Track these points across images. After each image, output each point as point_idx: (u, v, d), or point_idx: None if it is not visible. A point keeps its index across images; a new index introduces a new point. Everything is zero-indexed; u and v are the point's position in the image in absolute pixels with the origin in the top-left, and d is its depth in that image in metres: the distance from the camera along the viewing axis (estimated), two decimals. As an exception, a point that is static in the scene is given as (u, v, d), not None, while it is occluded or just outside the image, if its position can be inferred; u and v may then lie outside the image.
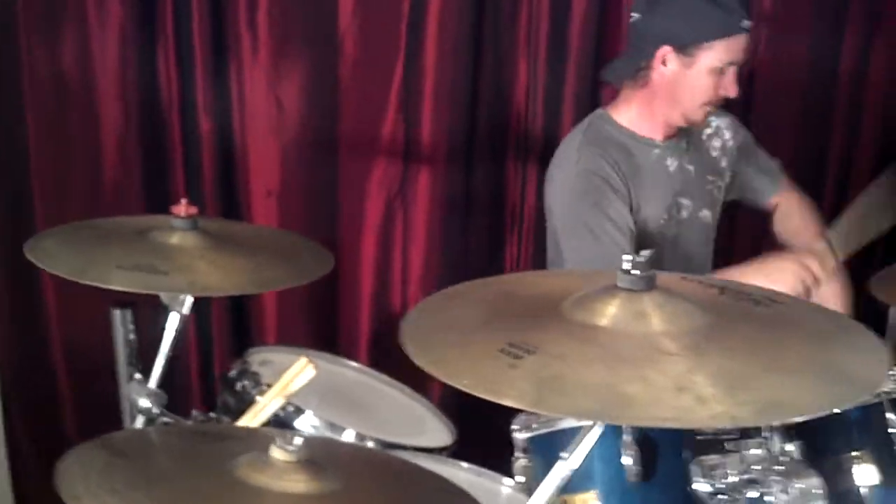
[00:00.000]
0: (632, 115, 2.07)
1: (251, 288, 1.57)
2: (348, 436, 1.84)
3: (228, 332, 2.54)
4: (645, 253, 1.12)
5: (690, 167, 2.12)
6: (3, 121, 2.38)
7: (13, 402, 2.49)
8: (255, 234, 1.80)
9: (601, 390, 0.98)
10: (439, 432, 2.01)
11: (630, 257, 1.11)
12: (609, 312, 1.08)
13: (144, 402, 1.72)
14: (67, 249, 1.60)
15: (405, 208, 2.56)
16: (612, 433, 1.30)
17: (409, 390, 2.09)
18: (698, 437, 1.27)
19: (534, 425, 1.43)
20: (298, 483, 1.28)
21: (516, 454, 1.48)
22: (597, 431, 1.09)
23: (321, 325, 2.60)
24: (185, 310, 1.69)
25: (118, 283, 1.47)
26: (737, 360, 1.04)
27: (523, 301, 1.18)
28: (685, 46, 1.95)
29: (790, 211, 2.23)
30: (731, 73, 1.97)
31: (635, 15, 2.01)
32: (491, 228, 2.64)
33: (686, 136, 2.11)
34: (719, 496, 1.24)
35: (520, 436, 1.44)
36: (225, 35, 2.38)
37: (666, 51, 1.97)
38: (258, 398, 1.77)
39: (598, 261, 1.97)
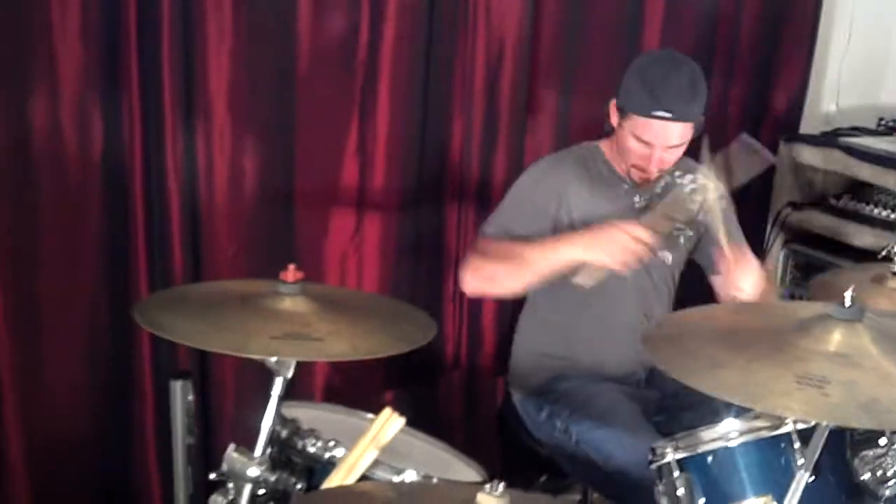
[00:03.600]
0: (613, 153, 2.37)
1: (380, 351, 1.62)
2: (410, 476, 1.86)
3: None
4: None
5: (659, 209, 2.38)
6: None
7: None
8: (354, 299, 1.84)
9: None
10: (470, 468, 2.13)
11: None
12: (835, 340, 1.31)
13: (254, 472, 1.72)
14: (194, 320, 1.57)
15: (359, 252, 2.67)
16: (788, 441, 1.53)
17: (423, 434, 2.19)
18: (853, 438, 1.52)
19: (679, 447, 1.62)
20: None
21: (663, 477, 1.66)
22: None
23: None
24: (290, 374, 1.71)
25: (283, 353, 1.48)
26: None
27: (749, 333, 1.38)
28: (619, 107, 2.28)
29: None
30: (652, 151, 2.23)
31: None
32: (434, 266, 2.82)
33: (663, 185, 2.37)
34: (886, 484, 1.50)
35: (672, 457, 1.61)
36: (193, 93, 2.37)
37: (612, 104, 2.30)
38: (332, 454, 1.82)
39: (501, 221, 2.30)
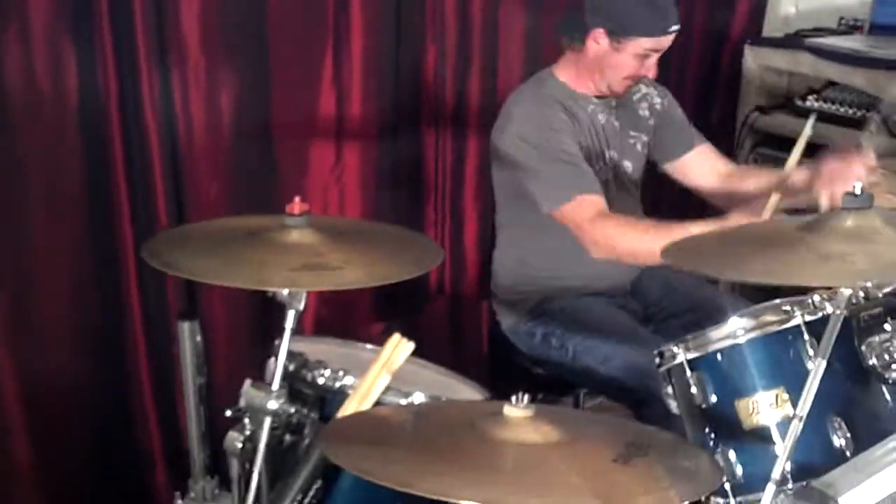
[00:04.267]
0: (570, 75, 2.39)
1: (396, 276, 1.63)
2: (419, 398, 1.87)
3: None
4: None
5: (616, 123, 2.44)
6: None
7: None
8: (358, 228, 1.84)
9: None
10: (473, 389, 2.16)
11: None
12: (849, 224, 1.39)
13: (273, 404, 1.73)
14: (207, 258, 1.57)
15: (340, 183, 2.67)
16: (794, 334, 1.59)
17: (420, 360, 2.21)
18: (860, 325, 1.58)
19: (689, 347, 1.67)
20: (533, 434, 1.44)
21: (673, 378, 1.71)
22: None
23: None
24: (301, 306, 1.72)
25: (304, 284, 1.49)
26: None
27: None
28: (615, 34, 2.26)
29: (709, 159, 2.57)
30: (653, 58, 2.29)
31: None
32: (414, 192, 2.84)
33: (609, 96, 2.41)
34: (892, 367, 1.57)
35: (683, 357, 1.66)
36: (165, 31, 2.33)
37: (599, 33, 2.28)
38: (342, 383, 1.84)
39: (573, 181, 2.26)
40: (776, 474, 1.40)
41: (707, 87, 3.32)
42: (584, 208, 2.23)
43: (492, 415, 1.48)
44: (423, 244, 1.80)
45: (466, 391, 2.12)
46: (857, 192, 1.40)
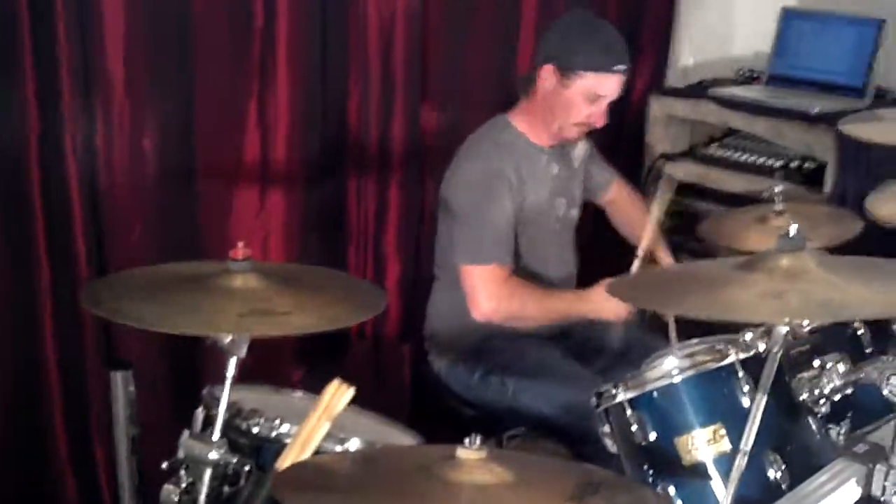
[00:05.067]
0: (525, 122, 2.44)
1: (340, 323, 1.63)
2: (355, 444, 1.86)
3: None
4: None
5: (564, 173, 2.50)
6: None
7: None
8: (297, 272, 1.83)
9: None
10: (407, 435, 2.16)
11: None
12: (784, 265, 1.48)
13: (213, 454, 1.70)
14: (151, 304, 1.54)
15: (265, 227, 2.66)
16: (728, 372, 1.66)
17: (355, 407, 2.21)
18: (790, 361, 1.66)
19: (628, 386, 1.72)
20: (487, 475, 1.45)
21: (612, 418, 1.75)
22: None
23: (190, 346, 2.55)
24: (244, 353, 1.70)
25: (257, 329, 1.48)
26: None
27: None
28: (564, 69, 2.33)
29: (623, 202, 2.75)
30: (601, 104, 2.37)
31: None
32: (336, 237, 2.84)
33: (560, 145, 2.49)
34: (821, 401, 1.65)
35: (623, 396, 1.70)
36: (91, 73, 2.29)
37: (548, 69, 2.32)
38: (279, 432, 1.82)
39: (490, 246, 2.35)
40: (725, 507, 1.46)
41: (614, 134, 3.43)
42: (487, 277, 2.34)
43: (444, 458, 1.49)
44: (365, 288, 1.81)
45: (399, 436, 2.12)
46: (792, 232, 1.48)
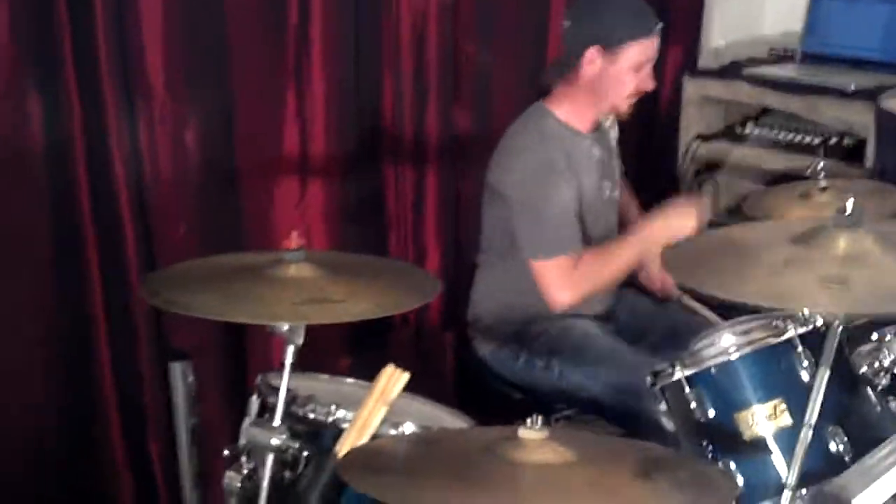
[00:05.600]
0: (566, 109, 2.42)
1: (394, 310, 1.64)
2: (409, 428, 1.86)
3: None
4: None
5: (605, 155, 2.50)
6: None
7: None
8: (350, 260, 1.84)
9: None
10: (458, 418, 2.17)
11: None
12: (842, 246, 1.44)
13: (275, 440, 1.72)
14: (208, 294, 1.56)
15: (305, 219, 2.66)
16: (787, 347, 1.66)
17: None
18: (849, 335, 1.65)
19: (685, 364, 1.72)
20: (550, 455, 1.46)
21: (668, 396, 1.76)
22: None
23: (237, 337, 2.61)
24: (301, 341, 1.72)
25: (313, 318, 1.49)
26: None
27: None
28: (609, 46, 2.32)
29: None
30: (647, 69, 2.36)
31: (566, 23, 2.37)
32: (376, 225, 2.85)
33: (597, 128, 2.48)
34: (881, 374, 1.65)
35: (681, 374, 1.71)
36: (130, 72, 2.31)
37: (593, 51, 2.32)
38: (335, 417, 1.84)
39: (557, 239, 2.32)
40: (791, 480, 1.46)
41: (649, 118, 3.42)
42: (558, 271, 2.33)
43: (506, 438, 1.50)
44: (418, 275, 1.82)
45: (451, 420, 2.13)
46: (849, 210, 1.47)
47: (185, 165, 2.45)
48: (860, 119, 2.91)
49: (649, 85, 2.39)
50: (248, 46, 2.50)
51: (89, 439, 2.44)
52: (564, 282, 2.33)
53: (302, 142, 2.62)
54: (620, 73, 2.34)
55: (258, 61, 2.53)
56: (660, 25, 2.36)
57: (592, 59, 2.34)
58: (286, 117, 2.59)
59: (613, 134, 2.58)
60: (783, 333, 1.68)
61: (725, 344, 1.72)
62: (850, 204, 1.47)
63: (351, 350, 2.78)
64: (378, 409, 1.81)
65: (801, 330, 1.67)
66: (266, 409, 1.91)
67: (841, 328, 1.46)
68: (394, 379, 1.86)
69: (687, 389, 1.72)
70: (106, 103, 2.28)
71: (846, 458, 1.62)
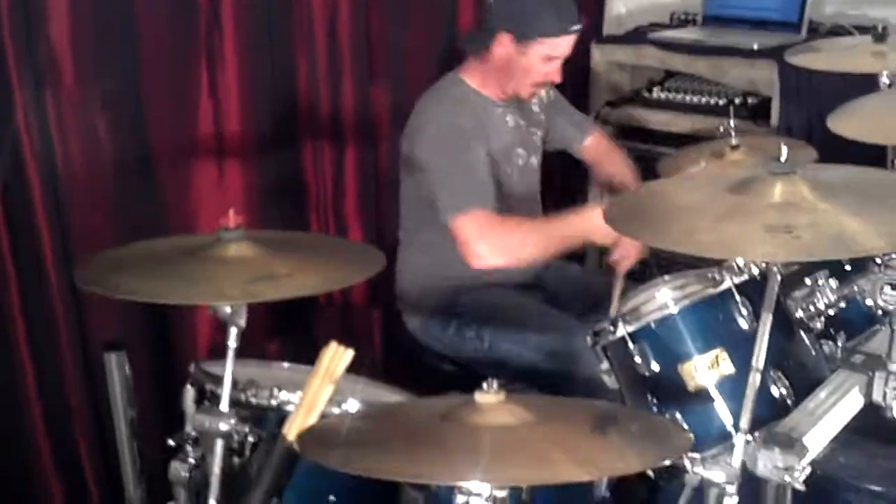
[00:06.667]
0: (477, 79, 2.45)
1: (345, 282, 1.62)
2: (353, 405, 1.84)
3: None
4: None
5: (522, 122, 2.52)
6: None
7: None
8: (289, 238, 1.81)
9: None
10: (397, 394, 2.17)
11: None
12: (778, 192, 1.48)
13: (224, 426, 1.68)
14: (151, 279, 1.51)
15: (224, 200, 2.60)
16: (725, 297, 1.70)
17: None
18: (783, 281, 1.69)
19: (627, 321, 1.75)
20: (509, 417, 1.47)
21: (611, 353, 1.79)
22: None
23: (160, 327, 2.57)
24: (243, 322, 1.68)
25: (265, 294, 1.46)
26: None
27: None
28: (522, 37, 2.33)
29: (601, 156, 2.74)
30: (557, 63, 2.39)
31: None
32: (296, 207, 2.82)
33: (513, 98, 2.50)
34: (815, 318, 1.70)
35: (623, 331, 1.74)
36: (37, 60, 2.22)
37: (505, 37, 2.33)
38: (279, 400, 1.81)
39: (470, 194, 2.33)
40: (744, 424, 1.49)
41: (558, 86, 3.45)
42: (474, 224, 2.30)
43: (463, 405, 1.50)
44: (361, 250, 1.80)
45: (390, 396, 2.12)
46: (783, 157, 1.51)
47: (98, 153, 2.37)
48: (764, 78, 2.99)
49: (556, 78, 2.42)
50: (158, 29, 2.43)
51: (14, 439, 2.35)
52: (482, 234, 2.28)
53: (216, 123, 2.57)
54: (528, 63, 2.37)
55: (168, 44, 2.46)
56: (578, 27, 2.37)
57: (504, 43, 2.35)
58: (200, 99, 2.53)
59: (536, 100, 2.59)
60: (720, 284, 1.72)
61: (664, 298, 1.76)
62: (784, 150, 1.51)
63: (279, 333, 2.75)
64: (324, 388, 1.78)
65: (738, 280, 1.72)
66: (203, 397, 1.89)
67: (778, 273, 1.50)
68: (338, 356, 1.84)
69: (631, 345, 1.75)
70: (13, 94, 2.18)
71: (788, 402, 1.67)
